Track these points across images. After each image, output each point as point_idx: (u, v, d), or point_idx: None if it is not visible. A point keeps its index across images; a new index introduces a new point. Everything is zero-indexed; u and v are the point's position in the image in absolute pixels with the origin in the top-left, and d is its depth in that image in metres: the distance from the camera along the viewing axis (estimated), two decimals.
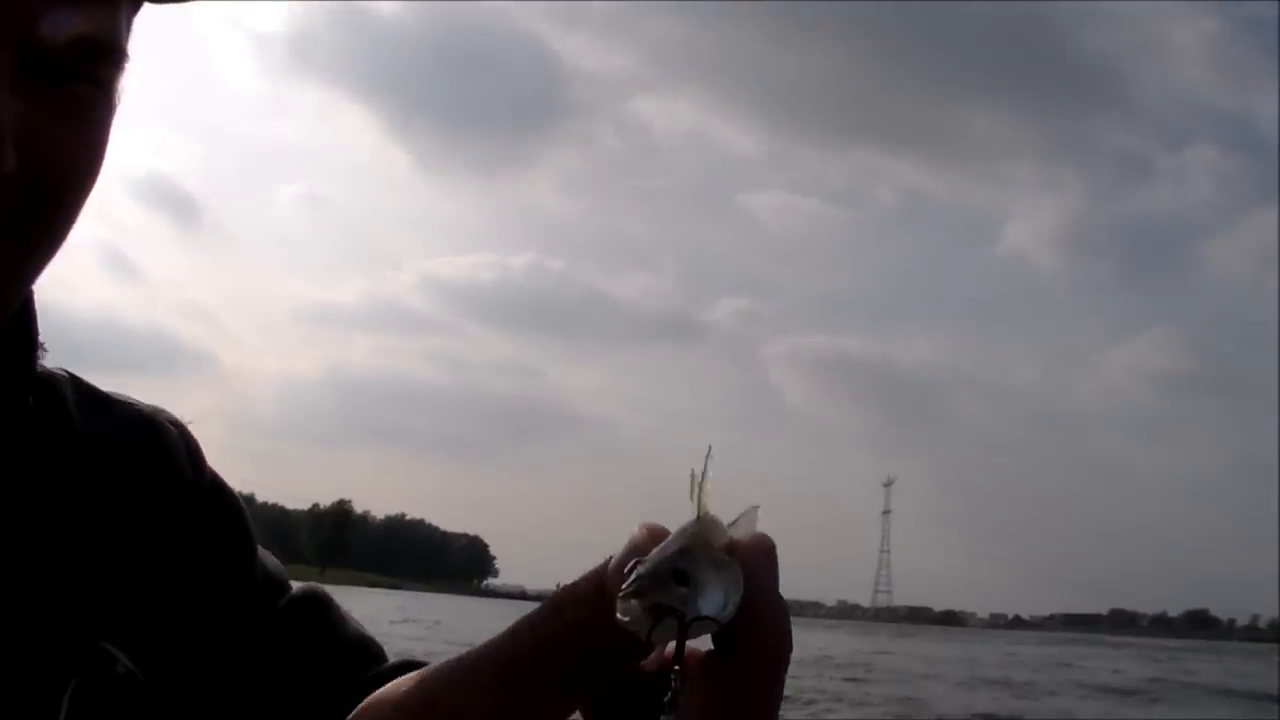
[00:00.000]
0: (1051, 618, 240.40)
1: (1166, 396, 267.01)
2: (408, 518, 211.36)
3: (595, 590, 0.57)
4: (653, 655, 0.56)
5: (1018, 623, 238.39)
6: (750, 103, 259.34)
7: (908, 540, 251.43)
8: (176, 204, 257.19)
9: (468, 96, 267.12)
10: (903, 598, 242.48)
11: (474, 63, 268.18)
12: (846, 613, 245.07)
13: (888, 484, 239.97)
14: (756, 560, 0.54)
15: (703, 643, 0.53)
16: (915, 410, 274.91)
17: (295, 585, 0.85)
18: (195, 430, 0.82)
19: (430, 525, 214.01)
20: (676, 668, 0.51)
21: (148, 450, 0.83)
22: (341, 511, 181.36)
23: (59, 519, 0.74)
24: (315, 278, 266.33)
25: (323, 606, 0.85)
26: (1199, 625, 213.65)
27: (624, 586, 0.51)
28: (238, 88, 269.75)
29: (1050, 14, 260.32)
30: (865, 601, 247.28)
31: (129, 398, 0.86)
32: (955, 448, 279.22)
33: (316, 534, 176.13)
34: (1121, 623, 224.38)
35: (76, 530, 0.75)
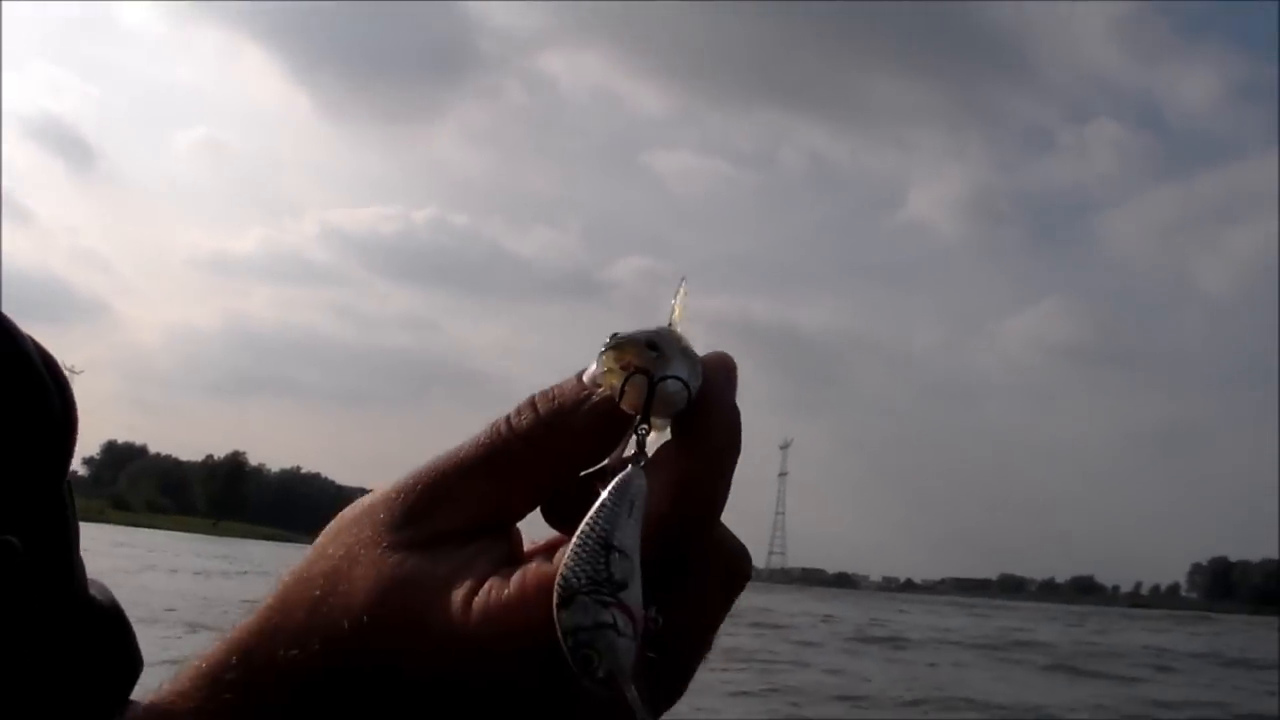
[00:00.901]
0: (943, 582, 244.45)
1: (1061, 366, 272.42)
2: (304, 471, 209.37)
3: (573, 388, 0.58)
4: (614, 454, 0.56)
5: (909, 586, 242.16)
6: (659, 62, 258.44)
7: (804, 503, 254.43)
8: (71, 147, 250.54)
9: (374, 45, 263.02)
10: (796, 559, 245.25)
11: (382, 11, 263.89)
12: None
13: (784, 446, 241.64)
14: (717, 365, 0.58)
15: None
16: (816, 374, 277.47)
17: (92, 587, 0.75)
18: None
19: (326, 479, 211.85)
20: (644, 426, 0.53)
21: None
22: (235, 464, 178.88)
23: None
24: (214, 226, 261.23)
25: (113, 614, 0.75)
26: (1084, 591, 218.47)
27: (603, 346, 0.54)
28: (135, 28, 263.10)
29: None
30: (760, 563, 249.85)
31: None
32: (854, 412, 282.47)
33: (209, 486, 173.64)
34: (1010, 587, 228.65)
35: None
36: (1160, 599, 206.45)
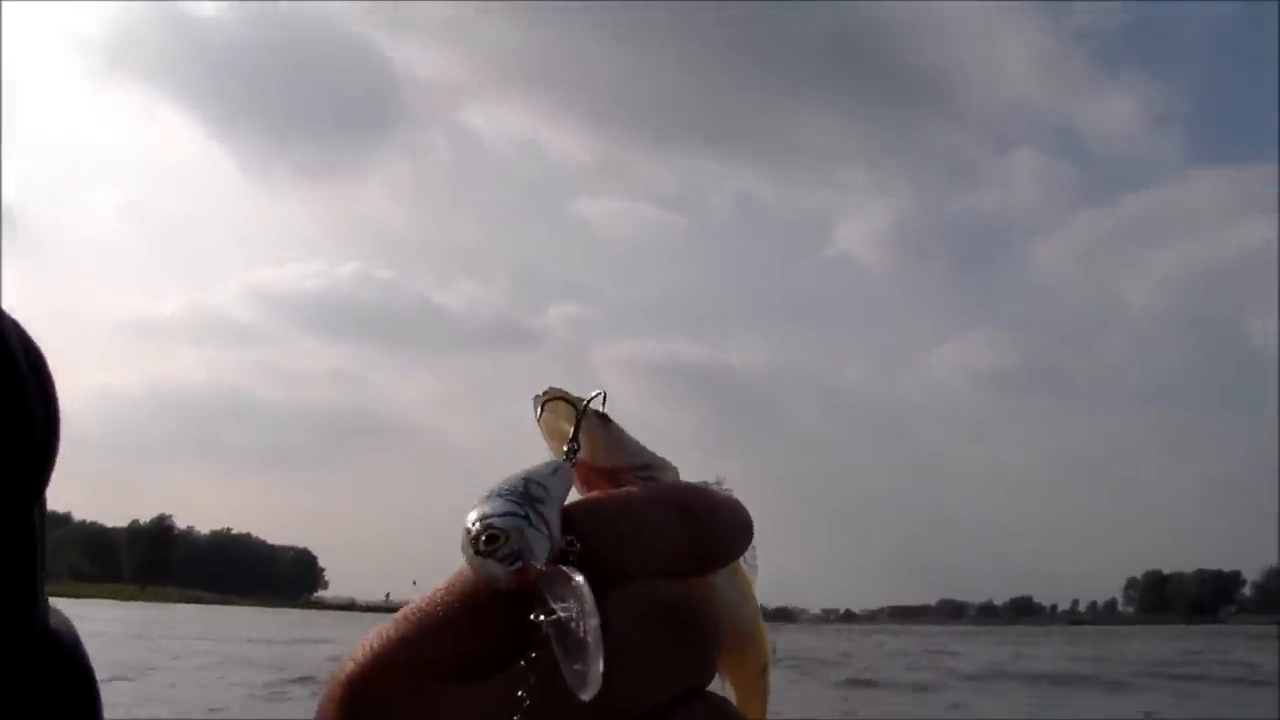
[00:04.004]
0: (882, 610, 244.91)
1: (990, 394, 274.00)
2: (233, 532, 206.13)
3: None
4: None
5: (849, 616, 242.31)
6: (582, 109, 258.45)
7: None
8: None
9: (295, 101, 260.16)
10: None
11: (301, 67, 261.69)
12: None
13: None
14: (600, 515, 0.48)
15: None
16: (745, 412, 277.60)
17: (53, 617, 0.72)
18: None
19: (257, 539, 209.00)
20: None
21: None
22: (162, 528, 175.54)
23: None
24: (136, 288, 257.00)
25: (70, 649, 0.73)
26: (1023, 612, 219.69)
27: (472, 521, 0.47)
28: (54, 91, 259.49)
29: (883, 21, 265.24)
30: None
31: None
32: (786, 447, 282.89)
33: (136, 551, 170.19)
34: (950, 612, 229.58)
35: None
36: (1098, 615, 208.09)
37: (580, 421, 0.50)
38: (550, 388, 0.53)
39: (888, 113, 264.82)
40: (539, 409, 0.52)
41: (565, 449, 0.51)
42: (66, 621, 0.74)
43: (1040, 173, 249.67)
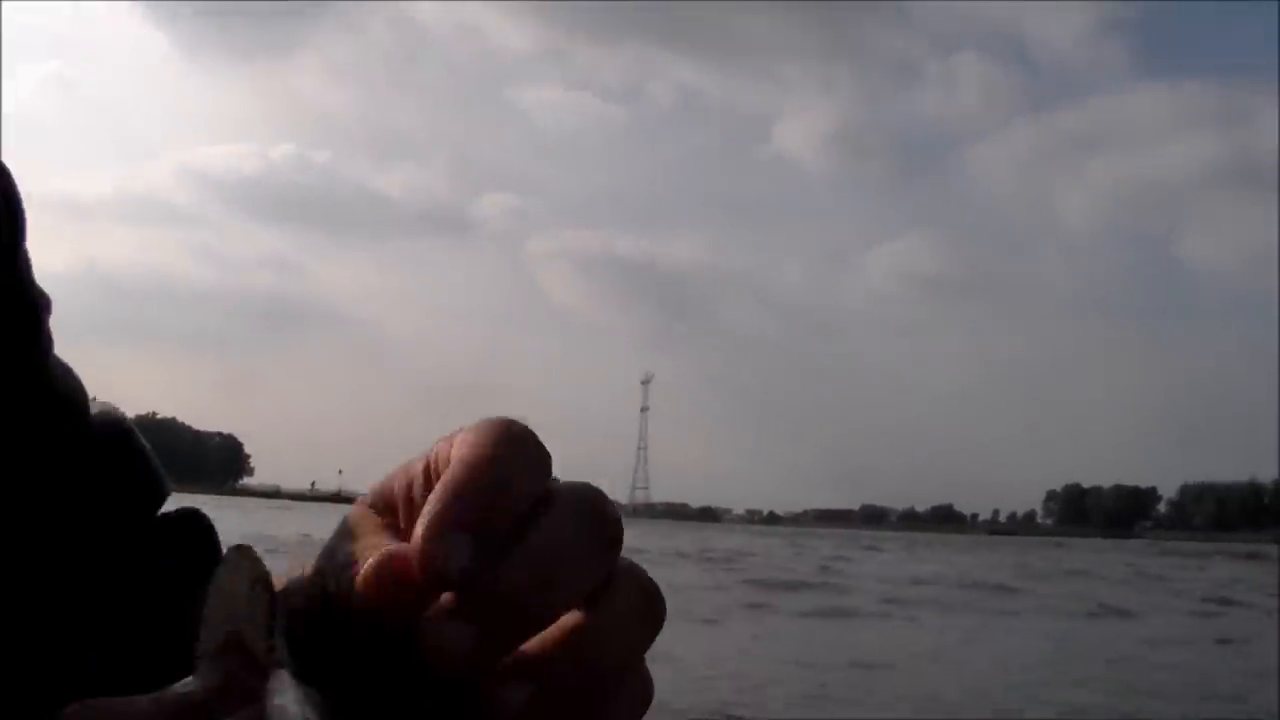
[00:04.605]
0: (805, 513, 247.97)
1: (924, 299, 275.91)
2: (159, 416, 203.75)
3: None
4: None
5: (773, 519, 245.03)
6: None
7: (666, 438, 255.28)
8: None
9: None
10: (660, 494, 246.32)
11: None
12: None
13: (646, 381, 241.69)
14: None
15: None
16: (679, 309, 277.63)
17: (95, 407, 0.74)
18: None
19: (182, 424, 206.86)
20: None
21: None
22: None
23: None
24: (67, 167, 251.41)
25: (122, 435, 0.75)
26: (944, 520, 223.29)
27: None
28: None
29: None
30: (624, 498, 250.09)
31: None
32: (718, 346, 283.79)
33: None
34: (872, 517, 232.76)
35: None
36: (1017, 525, 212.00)
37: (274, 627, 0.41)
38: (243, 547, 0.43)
39: (834, 10, 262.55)
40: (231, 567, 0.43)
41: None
42: (109, 410, 0.76)
43: (984, 77, 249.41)
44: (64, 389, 0.72)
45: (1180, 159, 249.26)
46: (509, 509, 0.42)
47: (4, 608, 0.63)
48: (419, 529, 0.41)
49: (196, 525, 0.76)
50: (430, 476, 0.45)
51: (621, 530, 0.45)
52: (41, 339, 0.70)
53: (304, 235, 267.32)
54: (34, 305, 0.69)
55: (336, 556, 0.45)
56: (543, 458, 0.44)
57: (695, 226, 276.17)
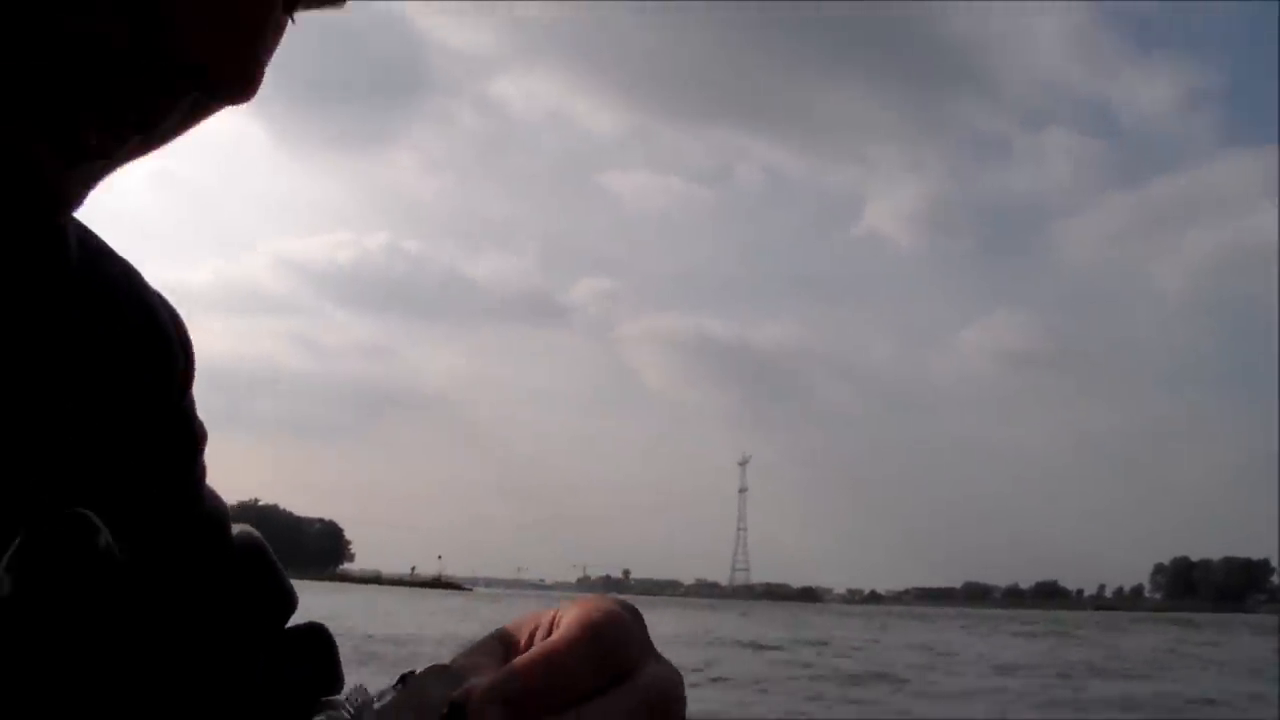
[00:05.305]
0: (907, 591, 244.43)
1: (1017, 375, 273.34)
2: (260, 503, 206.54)
3: None
4: None
5: (874, 597, 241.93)
6: (611, 81, 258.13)
7: (765, 518, 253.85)
8: None
9: (326, 71, 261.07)
10: (760, 575, 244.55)
11: (332, 36, 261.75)
12: (705, 591, 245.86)
13: (743, 463, 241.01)
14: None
15: None
16: (773, 390, 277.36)
17: (235, 528, 0.80)
18: None
19: (284, 510, 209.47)
20: None
21: (139, 321, 0.74)
22: None
23: (40, 362, 0.64)
24: (166, 259, 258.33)
25: (258, 551, 0.81)
26: (1049, 596, 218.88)
27: None
28: None
29: None
30: (723, 579, 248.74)
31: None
32: (812, 426, 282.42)
33: None
34: (975, 595, 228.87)
35: (54, 378, 0.65)
36: (1125, 601, 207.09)
37: None
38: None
39: (920, 87, 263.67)
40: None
41: None
42: (249, 531, 0.82)
43: (1073, 151, 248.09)
44: (213, 511, 0.78)
45: (1273, 223, 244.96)
46: (560, 700, 0.46)
47: (159, 701, 0.68)
48: (486, 680, 0.46)
49: (321, 639, 0.82)
50: (550, 631, 0.51)
51: (680, 716, 0.49)
52: (198, 467, 0.77)
53: (398, 322, 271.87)
54: (195, 437, 0.77)
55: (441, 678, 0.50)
56: (620, 648, 0.48)
57: (786, 307, 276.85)
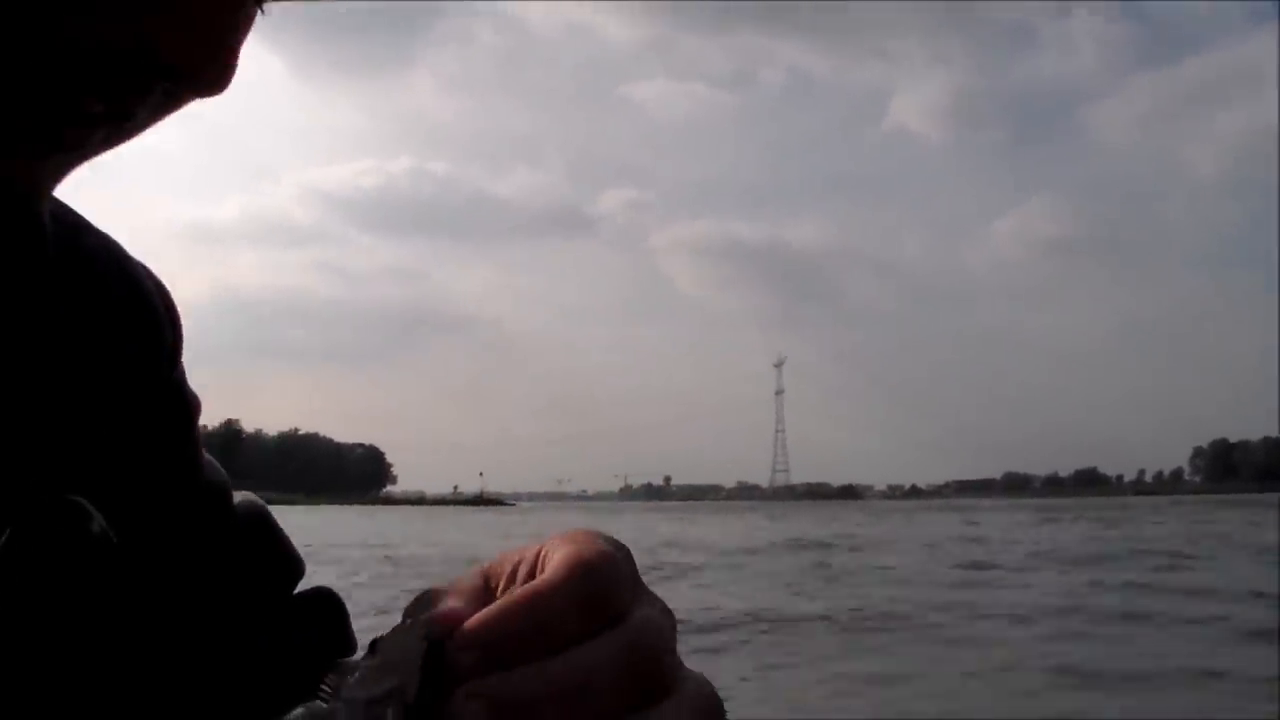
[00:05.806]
0: (947, 485, 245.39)
1: (1052, 262, 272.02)
2: (301, 432, 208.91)
3: None
4: None
5: (915, 492, 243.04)
6: None
7: (802, 419, 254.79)
8: None
9: None
10: (800, 475, 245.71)
11: None
12: (746, 493, 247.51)
13: (779, 364, 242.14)
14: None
15: None
16: (806, 290, 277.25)
17: (236, 496, 0.80)
18: None
19: (325, 438, 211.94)
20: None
21: (122, 295, 0.73)
22: (229, 431, 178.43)
23: (23, 345, 0.64)
24: (191, 195, 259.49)
25: (261, 519, 0.81)
26: (1089, 483, 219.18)
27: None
28: None
29: None
30: (764, 482, 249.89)
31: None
32: (846, 324, 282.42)
33: None
34: (1015, 485, 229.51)
35: (39, 360, 0.65)
36: (1164, 485, 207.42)
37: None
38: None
39: None
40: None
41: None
42: (252, 500, 0.81)
43: (1099, 34, 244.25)
44: (213, 482, 0.77)
45: None
46: (545, 644, 0.43)
47: (162, 681, 0.68)
48: (466, 624, 0.44)
49: (330, 603, 0.81)
50: (534, 570, 0.47)
51: (670, 662, 0.46)
52: (193, 438, 0.76)
53: (427, 245, 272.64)
54: (189, 408, 0.76)
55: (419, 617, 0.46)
56: (609, 590, 0.45)
57: (815, 207, 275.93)
